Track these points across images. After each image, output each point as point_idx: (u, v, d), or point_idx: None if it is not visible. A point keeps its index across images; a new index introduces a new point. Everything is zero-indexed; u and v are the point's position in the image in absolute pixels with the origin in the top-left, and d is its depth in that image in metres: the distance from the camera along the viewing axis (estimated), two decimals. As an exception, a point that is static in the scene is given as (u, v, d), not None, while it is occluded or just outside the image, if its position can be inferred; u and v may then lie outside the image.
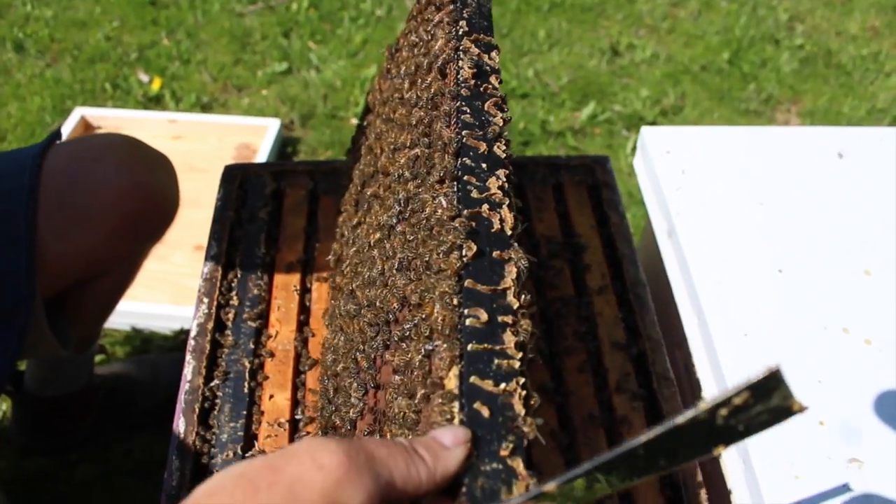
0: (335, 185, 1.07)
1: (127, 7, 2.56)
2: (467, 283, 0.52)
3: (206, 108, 2.24)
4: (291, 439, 0.83)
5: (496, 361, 0.48)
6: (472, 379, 0.47)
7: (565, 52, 2.51)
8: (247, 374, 0.87)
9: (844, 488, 0.80)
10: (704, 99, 2.37)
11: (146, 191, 1.13)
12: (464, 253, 0.54)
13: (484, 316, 0.51)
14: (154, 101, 2.25)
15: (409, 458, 0.44)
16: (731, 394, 0.41)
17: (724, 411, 0.41)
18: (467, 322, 0.50)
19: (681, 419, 0.42)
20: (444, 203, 0.59)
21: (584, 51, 2.52)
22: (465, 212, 0.56)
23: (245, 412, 0.84)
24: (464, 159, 0.61)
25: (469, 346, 0.49)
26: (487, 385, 0.47)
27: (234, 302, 0.94)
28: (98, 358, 1.65)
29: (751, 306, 0.94)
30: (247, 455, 0.81)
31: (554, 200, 1.09)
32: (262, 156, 2.02)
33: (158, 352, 1.67)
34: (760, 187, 1.08)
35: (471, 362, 0.48)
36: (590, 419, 0.86)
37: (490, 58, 0.71)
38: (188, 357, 0.88)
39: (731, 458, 0.86)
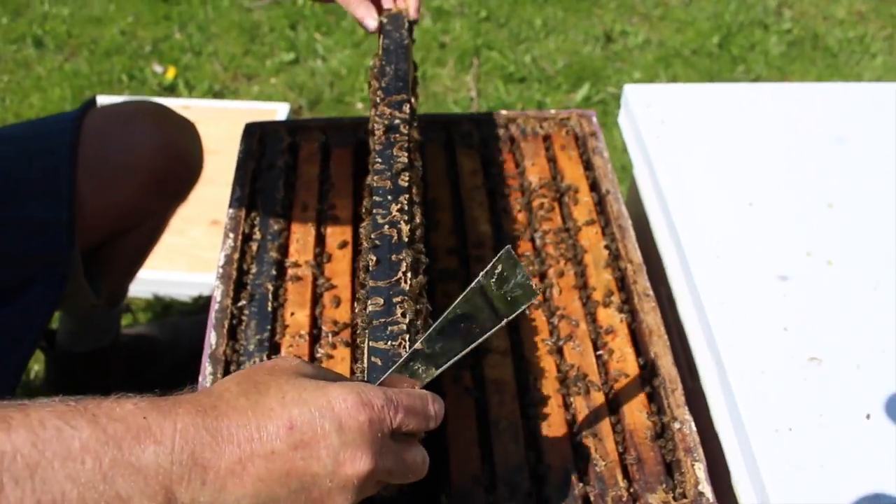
0: (345, 139, 1.18)
1: (140, 4, 2.68)
2: (370, 283, 0.76)
3: (218, 96, 2.35)
4: (311, 349, 0.93)
5: (390, 328, 0.71)
6: (371, 343, 0.70)
7: (561, 39, 2.62)
8: (270, 296, 0.97)
9: (804, 381, 0.90)
10: (695, 80, 2.47)
11: (174, 150, 1.24)
12: (369, 265, 0.77)
13: (380, 301, 0.73)
14: (168, 90, 2.37)
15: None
16: (489, 266, 0.65)
17: (492, 281, 0.65)
18: (369, 308, 0.73)
19: (479, 282, 0.65)
20: (362, 233, 0.84)
21: (578, 38, 2.63)
22: (372, 234, 0.79)
23: (269, 327, 0.94)
24: (375, 198, 0.83)
25: (372, 323, 0.72)
26: (381, 344, 0.70)
27: (258, 236, 1.04)
28: (123, 322, 1.75)
29: (722, 233, 1.04)
30: (274, 357, 0.91)
31: (544, 149, 1.19)
32: (272, 138, 2.12)
33: (179, 315, 1.78)
34: (732, 134, 1.18)
35: (372, 333, 0.71)
36: (577, 328, 0.96)
37: (401, 111, 0.92)
38: (217, 283, 0.98)
39: (704, 361, 0.96)
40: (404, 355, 0.66)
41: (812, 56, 2.63)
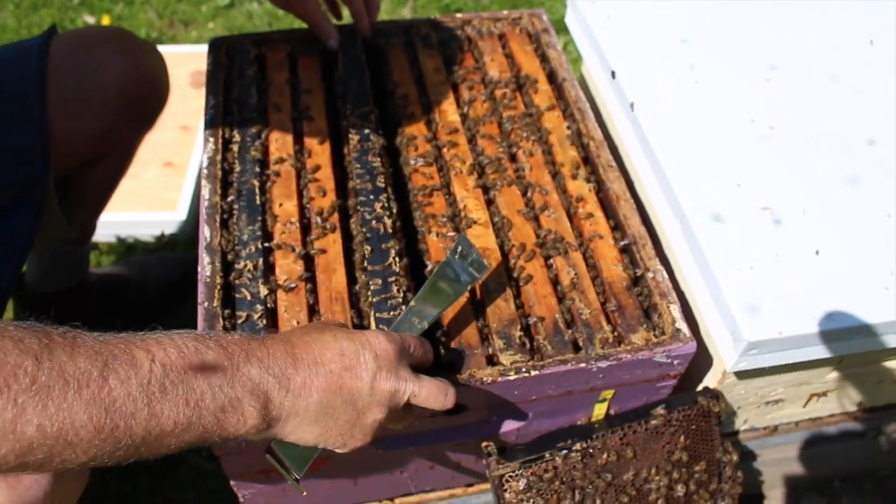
0: (310, 49, 1.21)
1: (62, -44, 2.60)
2: (369, 267, 0.93)
3: (156, 43, 2.32)
4: (303, 234, 0.98)
5: (389, 302, 0.89)
6: (376, 314, 0.88)
7: (492, -30, 2.66)
8: (257, 190, 1.01)
9: (759, 226, 0.99)
10: (624, 3, 2.55)
11: (142, 73, 1.24)
12: (364, 253, 0.94)
13: (379, 281, 0.91)
14: (103, 41, 2.32)
15: None
16: (452, 246, 0.87)
17: (455, 257, 0.86)
18: (371, 287, 0.91)
19: (447, 258, 0.86)
20: (353, 228, 1.00)
21: (509, -32, 2.67)
22: (363, 228, 0.96)
23: (260, 218, 0.98)
24: (360, 198, 1.00)
25: (374, 299, 0.89)
26: (384, 315, 0.88)
27: (237, 139, 1.07)
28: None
29: (673, 107, 1.12)
30: (268, 244, 0.96)
31: (500, 46, 1.25)
32: (216, 80, 2.12)
33: (144, 253, 1.79)
34: (672, 21, 1.26)
35: (376, 307, 0.89)
36: (550, 198, 1.03)
37: (368, 121, 1.08)
38: (203, 182, 1.01)
39: (667, 218, 1.04)
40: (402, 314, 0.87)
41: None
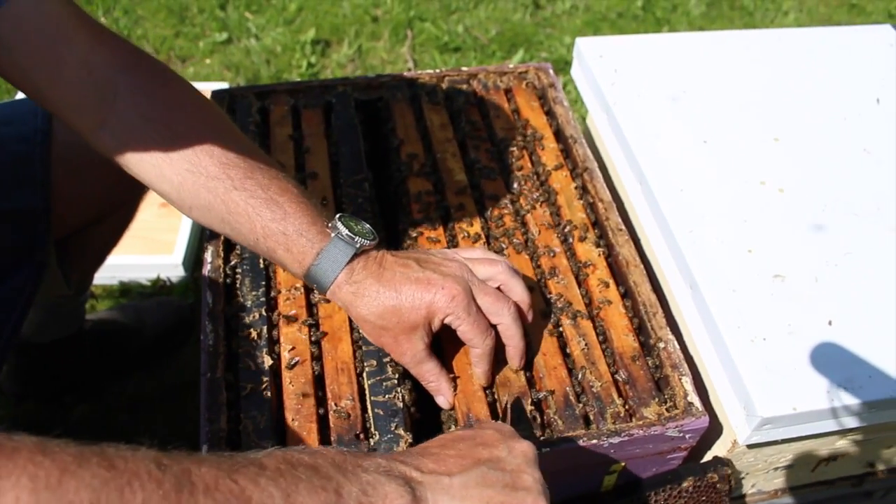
0: (314, 101, 1.20)
1: (59, -10, 2.59)
2: (364, 347, 0.91)
3: (152, 79, 2.31)
4: (307, 299, 0.96)
5: (384, 384, 0.87)
6: (372, 398, 0.87)
7: (491, 8, 2.66)
8: (260, 254, 0.99)
9: (772, 296, 0.97)
10: (622, 42, 2.55)
11: None
12: (360, 334, 0.92)
13: (374, 362, 0.90)
14: (100, 76, 2.30)
15: None
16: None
17: None
18: (366, 368, 0.89)
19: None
20: None
21: (508, 6, 2.68)
22: None
23: (263, 283, 0.96)
24: None
25: (370, 381, 0.88)
26: (380, 398, 0.86)
27: (239, 198, 1.05)
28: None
29: (682, 169, 1.11)
30: (272, 315, 0.94)
31: (506, 101, 1.24)
32: (214, 117, 2.10)
33: (139, 297, 1.76)
34: (681, 79, 1.25)
35: (371, 389, 0.87)
36: (559, 263, 1.01)
37: (362, 189, 1.08)
38: (206, 245, 0.99)
39: (678, 286, 1.02)
40: (399, 405, 0.86)
41: (730, 15, 2.75)
